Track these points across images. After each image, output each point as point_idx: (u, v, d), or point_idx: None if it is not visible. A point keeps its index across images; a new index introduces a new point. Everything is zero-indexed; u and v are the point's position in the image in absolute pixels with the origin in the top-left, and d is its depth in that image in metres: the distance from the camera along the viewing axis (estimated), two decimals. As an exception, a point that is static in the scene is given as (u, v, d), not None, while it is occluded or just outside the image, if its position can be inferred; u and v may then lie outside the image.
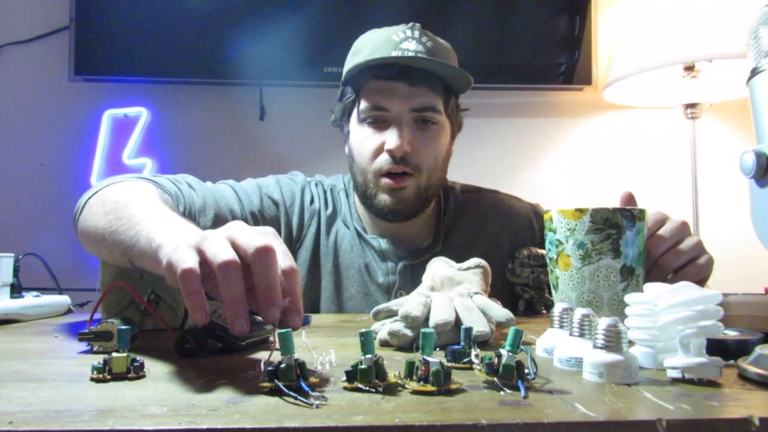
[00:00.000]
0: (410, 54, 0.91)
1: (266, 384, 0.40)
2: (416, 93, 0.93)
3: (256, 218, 0.98)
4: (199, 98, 1.79)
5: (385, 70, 0.92)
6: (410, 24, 0.96)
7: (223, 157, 1.79)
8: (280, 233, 1.00)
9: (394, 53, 0.91)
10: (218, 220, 0.92)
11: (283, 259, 0.49)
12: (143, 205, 0.68)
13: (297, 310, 0.48)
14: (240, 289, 0.46)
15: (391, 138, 0.92)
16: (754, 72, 0.47)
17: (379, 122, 0.95)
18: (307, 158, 1.75)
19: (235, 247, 0.48)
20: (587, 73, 1.81)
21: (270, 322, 0.46)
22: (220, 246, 0.47)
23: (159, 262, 0.52)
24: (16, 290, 0.86)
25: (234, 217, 0.94)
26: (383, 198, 0.95)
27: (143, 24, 1.70)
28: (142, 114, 1.76)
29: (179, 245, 0.49)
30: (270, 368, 0.40)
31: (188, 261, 0.46)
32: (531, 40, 1.79)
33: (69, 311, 0.92)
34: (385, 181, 0.94)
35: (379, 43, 0.94)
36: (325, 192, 1.06)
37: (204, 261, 0.47)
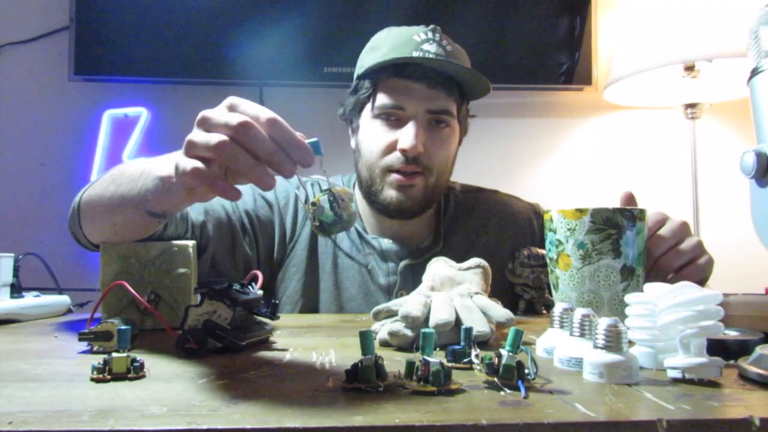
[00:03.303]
0: (431, 56, 0.91)
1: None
2: (434, 95, 0.93)
3: (250, 216, 0.98)
4: (199, 98, 1.79)
5: (406, 70, 0.93)
6: (431, 26, 0.96)
7: (223, 157, 1.78)
8: (273, 234, 1.01)
9: (415, 53, 0.91)
10: (209, 216, 0.92)
11: (262, 114, 0.51)
12: (138, 163, 0.70)
13: (300, 147, 0.50)
14: (233, 164, 0.49)
15: (405, 137, 0.92)
16: (754, 72, 0.47)
17: (393, 120, 0.95)
18: (306, 158, 1.74)
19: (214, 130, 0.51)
20: (587, 73, 1.80)
21: (304, 164, 0.49)
22: (206, 135, 0.50)
23: (174, 192, 0.56)
24: (16, 290, 0.86)
25: (226, 213, 0.95)
26: (390, 194, 0.95)
27: (143, 24, 1.70)
28: (142, 114, 1.76)
29: (177, 163, 0.52)
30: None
31: (188, 164, 0.50)
32: (531, 40, 1.79)
33: (69, 311, 0.92)
34: (395, 176, 0.94)
35: (399, 42, 0.94)
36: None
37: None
